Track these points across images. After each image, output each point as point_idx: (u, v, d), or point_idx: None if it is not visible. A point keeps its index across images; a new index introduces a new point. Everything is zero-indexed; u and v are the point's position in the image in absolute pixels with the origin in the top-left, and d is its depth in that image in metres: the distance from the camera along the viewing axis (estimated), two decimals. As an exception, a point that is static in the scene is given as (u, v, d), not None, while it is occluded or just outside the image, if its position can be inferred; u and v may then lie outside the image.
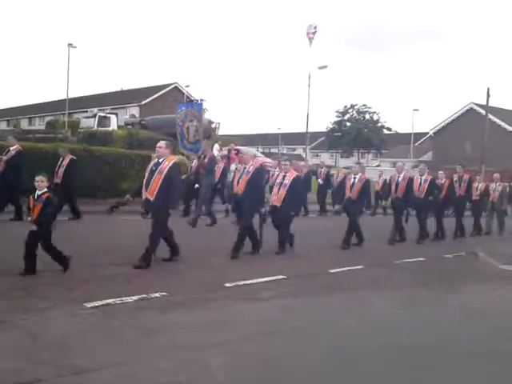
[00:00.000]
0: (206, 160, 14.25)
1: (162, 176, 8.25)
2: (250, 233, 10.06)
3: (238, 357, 4.90)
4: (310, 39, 31.85)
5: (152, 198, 8.28)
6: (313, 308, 6.93)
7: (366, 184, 12.17)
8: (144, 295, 6.63)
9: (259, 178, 10.37)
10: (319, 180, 20.57)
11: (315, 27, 32.49)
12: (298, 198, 10.99)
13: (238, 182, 10.02)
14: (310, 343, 5.40)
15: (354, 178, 12.14)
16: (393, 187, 13.27)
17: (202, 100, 17.36)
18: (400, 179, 13.20)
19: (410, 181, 13.20)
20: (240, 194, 9.93)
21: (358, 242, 12.24)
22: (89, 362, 4.49)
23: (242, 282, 7.72)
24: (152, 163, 8.58)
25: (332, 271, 9.09)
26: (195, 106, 17.04)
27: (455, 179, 15.27)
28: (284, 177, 10.65)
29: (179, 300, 6.66)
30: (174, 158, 8.79)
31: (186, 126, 16.65)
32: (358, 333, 5.83)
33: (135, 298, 6.51)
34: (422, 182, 13.46)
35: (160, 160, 8.47)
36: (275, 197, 10.54)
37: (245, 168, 10.12)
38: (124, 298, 6.43)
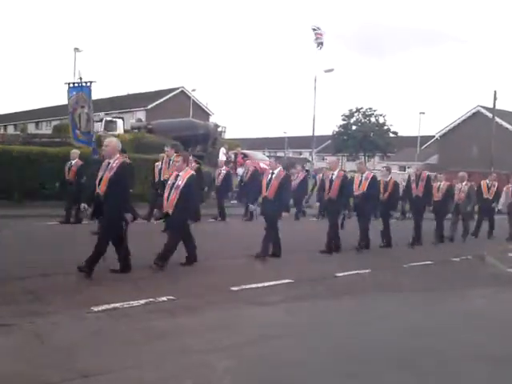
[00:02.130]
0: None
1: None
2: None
3: (244, 361, 4.89)
4: (318, 41, 31.80)
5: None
6: (319, 312, 6.91)
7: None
8: (151, 299, 6.64)
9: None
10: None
11: (320, 28, 32.48)
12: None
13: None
14: (316, 347, 5.38)
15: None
16: (326, 186, 11.44)
17: (90, 82, 14.44)
18: (334, 177, 11.40)
19: (345, 178, 11.49)
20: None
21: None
22: (96, 365, 4.51)
23: (248, 286, 7.71)
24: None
25: (339, 275, 9.07)
26: (84, 90, 14.50)
27: (412, 178, 14.09)
28: (177, 177, 8.80)
29: (186, 304, 6.67)
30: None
31: (78, 114, 14.56)
32: (364, 337, 5.80)
33: (142, 301, 6.52)
34: (363, 179, 11.99)
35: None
36: (166, 202, 8.76)
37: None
38: (131, 302, 6.44)
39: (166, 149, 12.58)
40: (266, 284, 7.94)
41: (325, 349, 5.36)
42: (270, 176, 10.35)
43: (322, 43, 32.14)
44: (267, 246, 10.02)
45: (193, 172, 9.04)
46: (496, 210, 16.46)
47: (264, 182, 10.39)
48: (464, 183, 15.56)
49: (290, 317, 6.48)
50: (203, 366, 4.67)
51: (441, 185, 14.51)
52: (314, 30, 32.31)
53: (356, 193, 11.91)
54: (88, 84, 14.32)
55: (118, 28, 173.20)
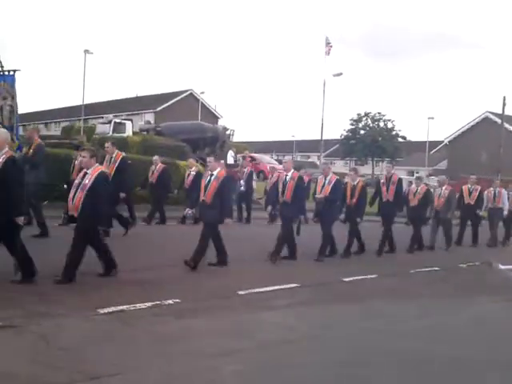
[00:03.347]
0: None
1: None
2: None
3: (251, 365, 4.89)
4: (327, 53, 31.97)
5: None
6: (326, 317, 6.90)
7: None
8: (157, 302, 6.65)
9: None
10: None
11: (329, 43, 32.66)
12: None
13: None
14: (323, 352, 5.38)
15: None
16: (279, 188, 10.49)
17: (14, 71, 13.04)
18: (288, 178, 10.39)
19: (300, 180, 10.52)
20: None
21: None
22: (102, 367, 4.52)
23: (255, 290, 7.70)
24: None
25: (346, 280, 9.04)
26: (7, 79, 13.06)
27: (382, 181, 12.84)
28: (85, 175, 7.65)
29: (192, 307, 6.67)
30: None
31: (0, 106, 13.03)
32: (372, 343, 5.78)
33: (149, 304, 6.53)
34: (326, 183, 11.15)
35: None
36: (70, 204, 7.62)
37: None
38: (138, 305, 6.44)
39: (106, 145, 12.40)
40: (273, 288, 7.92)
41: (333, 354, 5.34)
42: (208, 178, 9.21)
43: (329, 53, 32.34)
44: (199, 255, 8.87)
45: (103, 169, 7.96)
46: (480, 215, 15.63)
47: (202, 185, 9.29)
48: (444, 187, 14.47)
49: (297, 321, 6.47)
50: (210, 370, 4.66)
51: (418, 189, 13.45)
52: (328, 43, 32.50)
53: (317, 197, 11.29)
54: (12, 73, 13.05)
55: (128, 30, 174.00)
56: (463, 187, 15.78)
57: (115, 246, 8.18)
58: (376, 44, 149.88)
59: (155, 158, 15.47)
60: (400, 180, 12.80)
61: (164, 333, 5.63)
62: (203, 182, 9.25)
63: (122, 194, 11.55)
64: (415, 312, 7.40)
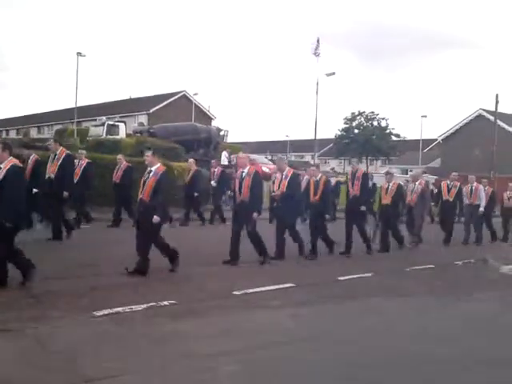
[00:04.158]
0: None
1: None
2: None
3: (247, 366, 4.88)
4: (316, 51, 31.67)
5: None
6: (322, 316, 6.90)
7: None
8: (153, 303, 6.64)
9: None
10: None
11: (317, 43, 32.26)
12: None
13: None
14: (320, 352, 5.37)
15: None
16: (236, 186, 9.85)
17: None
18: (244, 174, 9.70)
19: (256, 176, 9.75)
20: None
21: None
22: (98, 370, 4.50)
23: (251, 290, 7.70)
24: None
25: (341, 279, 9.05)
26: None
27: (349, 177, 12.32)
28: None
29: (188, 308, 6.67)
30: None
31: None
32: (369, 342, 5.79)
33: (144, 306, 6.51)
34: (283, 178, 10.54)
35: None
36: None
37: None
38: (133, 307, 6.43)
39: (48, 142, 12.58)
40: (268, 288, 7.92)
41: (330, 354, 5.34)
42: (147, 175, 8.60)
43: (318, 54, 32.07)
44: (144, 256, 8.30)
45: (16, 162, 7.23)
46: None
47: (140, 182, 8.67)
48: (417, 183, 14.05)
49: (293, 321, 6.46)
50: (206, 371, 4.66)
51: (390, 185, 12.76)
52: (315, 42, 32.09)
53: (273, 194, 10.62)
54: None
55: (121, 33, 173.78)
56: (442, 183, 15.41)
57: (112, 249, 8.16)
58: (369, 43, 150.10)
59: (119, 156, 15.31)
60: (365, 175, 12.30)
61: (160, 334, 5.61)
62: (141, 180, 8.63)
63: (65, 193, 11.08)
64: (413, 310, 7.41)
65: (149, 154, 8.59)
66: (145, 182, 8.49)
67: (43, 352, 4.91)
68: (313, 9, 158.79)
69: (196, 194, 16.06)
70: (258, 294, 7.59)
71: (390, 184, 12.80)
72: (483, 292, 9.00)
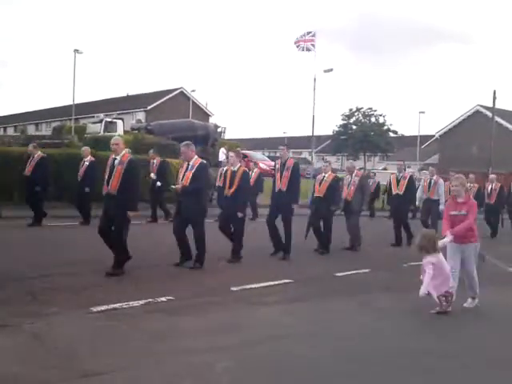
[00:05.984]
0: None
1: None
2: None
3: (244, 362, 4.89)
4: (311, 46, 31.08)
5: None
6: (320, 312, 6.90)
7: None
8: (150, 299, 6.64)
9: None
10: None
11: (311, 34, 31.61)
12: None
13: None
14: (317, 348, 5.37)
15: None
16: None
17: None
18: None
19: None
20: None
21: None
22: (96, 365, 4.51)
23: (248, 286, 7.71)
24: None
25: (338, 275, 9.06)
26: None
27: (277, 167, 10.63)
28: None
29: (185, 304, 6.67)
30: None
31: None
32: (366, 337, 5.80)
33: (141, 302, 6.52)
34: (189, 168, 8.96)
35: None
36: None
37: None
38: (130, 303, 6.44)
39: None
40: (266, 284, 7.93)
41: (327, 350, 5.35)
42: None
43: (313, 46, 31.50)
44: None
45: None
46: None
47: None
48: (354, 174, 12.32)
49: (290, 317, 6.47)
50: (203, 367, 4.66)
51: (325, 176, 11.38)
52: (308, 33, 31.24)
53: (173, 187, 9.24)
54: None
55: (118, 29, 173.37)
56: (391, 176, 13.88)
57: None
58: (366, 39, 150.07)
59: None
60: (296, 164, 10.49)
61: (157, 330, 5.62)
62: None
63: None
64: (408, 305, 7.39)
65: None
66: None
67: (40, 347, 4.92)
68: (309, 4, 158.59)
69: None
70: (255, 290, 7.60)
71: (326, 175, 11.44)
72: (481, 288, 8.99)
